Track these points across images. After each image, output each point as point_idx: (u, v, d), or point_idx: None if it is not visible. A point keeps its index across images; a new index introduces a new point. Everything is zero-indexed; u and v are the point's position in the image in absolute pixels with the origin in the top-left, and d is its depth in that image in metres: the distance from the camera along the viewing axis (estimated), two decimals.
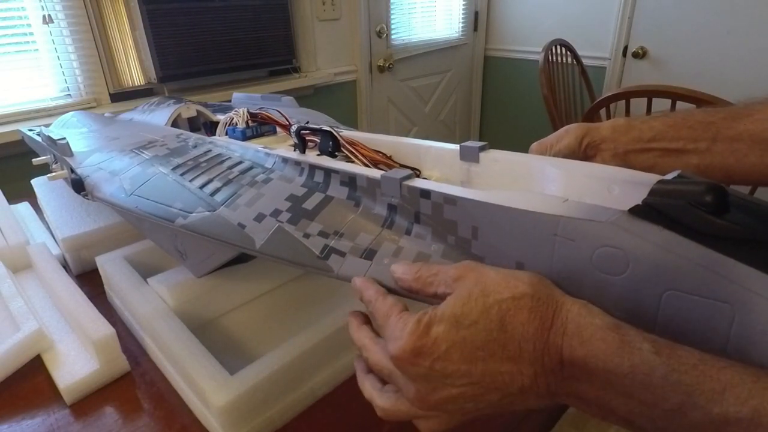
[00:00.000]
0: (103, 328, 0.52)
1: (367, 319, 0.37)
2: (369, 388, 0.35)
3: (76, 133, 0.77)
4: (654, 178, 0.32)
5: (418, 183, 0.37)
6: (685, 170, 0.30)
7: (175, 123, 0.75)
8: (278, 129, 0.67)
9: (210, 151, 0.57)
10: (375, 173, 0.40)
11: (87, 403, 0.51)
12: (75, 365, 0.53)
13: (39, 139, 0.81)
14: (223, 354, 0.49)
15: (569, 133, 0.49)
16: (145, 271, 0.62)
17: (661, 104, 1.38)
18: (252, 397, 0.45)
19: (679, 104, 1.35)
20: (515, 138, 2.87)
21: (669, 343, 0.24)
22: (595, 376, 0.25)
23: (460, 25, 2.69)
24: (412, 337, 0.29)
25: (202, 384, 0.44)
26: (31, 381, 0.54)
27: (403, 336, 0.30)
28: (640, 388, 0.24)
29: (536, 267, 0.31)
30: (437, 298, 0.31)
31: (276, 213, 0.42)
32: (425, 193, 0.36)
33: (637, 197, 0.27)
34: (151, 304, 0.55)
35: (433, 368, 0.29)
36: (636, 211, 0.27)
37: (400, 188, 0.37)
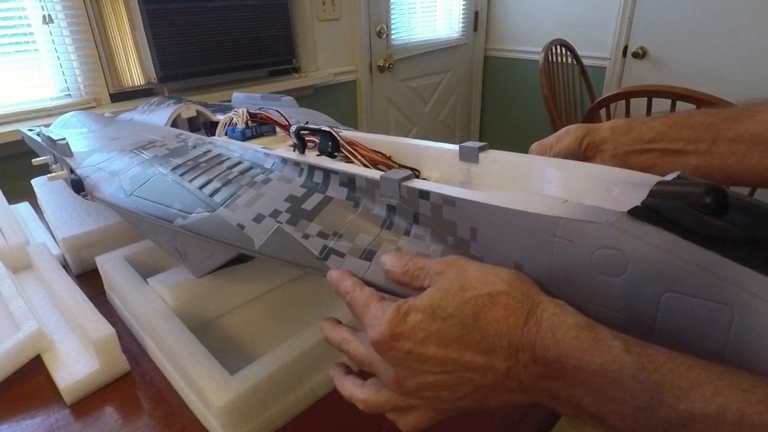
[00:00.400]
0: (103, 328, 0.52)
1: (339, 322, 0.38)
2: (349, 386, 0.36)
3: (76, 133, 0.77)
4: (653, 179, 0.32)
5: (417, 184, 0.37)
6: (684, 171, 0.30)
7: (174, 123, 0.75)
8: (278, 129, 0.67)
9: (209, 151, 0.57)
10: (374, 174, 0.40)
11: (87, 403, 0.51)
12: (75, 365, 0.53)
13: (39, 139, 0.81)
14: (223, 354, 0.49)
15: (569, 133, 0.50)
16: (145, 271, 0.62)
17: (661, 104, 1.38)
18: (252, 397, 0.45)
19: (679, 104, 1.35)
20: (515, 138, 2.87)
21: (639, 342, 0.25)
22: (567, 374, 0.26)
23: (460, 25, 2.69)
24: (391, 324, 0.30)
25: (202, 384, 0.44)
26: (31, 381, 0.54)
27: (382, 322, 0.31)
28: (610, 385, 0.24)
29: (535, 268, 0.31)
30: (423, 291, 0.32)
31: (275, 213, 0.42)
32: (424, 194, 0.36)
33: (637, 198, 0.27)
34: (151, 304, 0.55)
35: (411, 353, 0.30)
36: (635, 213, 0.27)
37: (399, 189, 0.37)
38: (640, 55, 2.26)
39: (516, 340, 0.27)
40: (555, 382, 0.27)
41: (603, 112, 1.56)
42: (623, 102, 1.48)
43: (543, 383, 0.27)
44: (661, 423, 0.23)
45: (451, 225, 0.35)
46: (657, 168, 0.47)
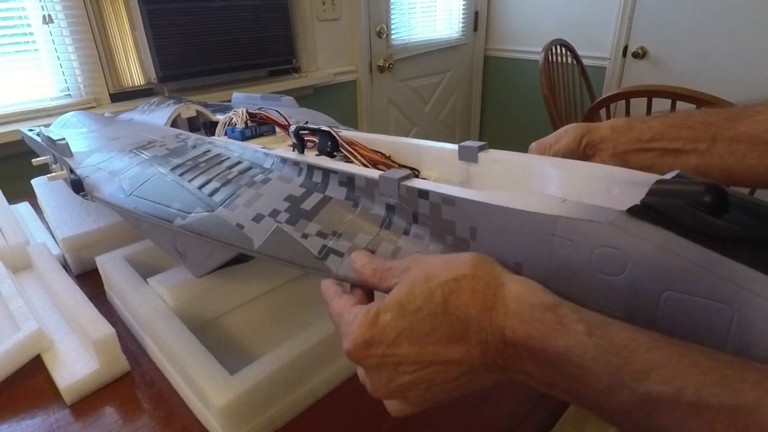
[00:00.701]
0: (103, 328, 0.52)
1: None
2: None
3: (75, 133, 0.77)
4: (654, 178, 0.32)
5: (416, 183, 0.37)
6: (684, 170, 0.30)
7: (174, 123, 0.75)
8: (277, 129, 0.67)
9: (209, 151, 0.57)
10: (373, 173, 0.40)
11: (87, 403, 0.51)
12: (75, 365, 0.53)
13: (39, 139, 0.81)
14: (223, 354, 0.49)
15: (568, 132, 0.50)
16: (145, 271, 0.62)
17: (661, 104, 1.38)
18: (252, 397, 0.45)
19: (679, 104, 1.35)
20: (515, 138, 2.87)
21: (602, 323, 0.25)
22: (535, 356, 0.26)
23: (460, 25, 2.69)
24: (361, 329, 0.30)
25: (202, 384, 0.44)
26: (31, 381, 0.54)
27: (353, 330, 0.31)
28: (574, 368, 0.25)
29: (535, 267, 0.31)
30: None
31: (274, 213, 0.42)
32: (423, 194, 0.36)
33: (637, 198, 0.27)
34: (151, 304, 0.55)
35: (385, 356, 0.30)
36: (634, 211, 0.27)
37: (399, 188, 0.37)
38: (640, 55, 2.26)
39: (486, 324, 0.28)
40: (526, 363, 0.27)
41: (603, 112, 1.56)
42: (623, 102, 1.48)
43: (516, 363, 0.28)
44: (622, 404, 0.24)
45: (450, 224, 0.35)
46: (656, 167, 0.47)
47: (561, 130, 0.50)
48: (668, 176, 0.29)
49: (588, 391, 0.25)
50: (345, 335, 0.32)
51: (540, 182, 0.40)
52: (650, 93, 1.42)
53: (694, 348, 0.23)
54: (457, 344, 0.29)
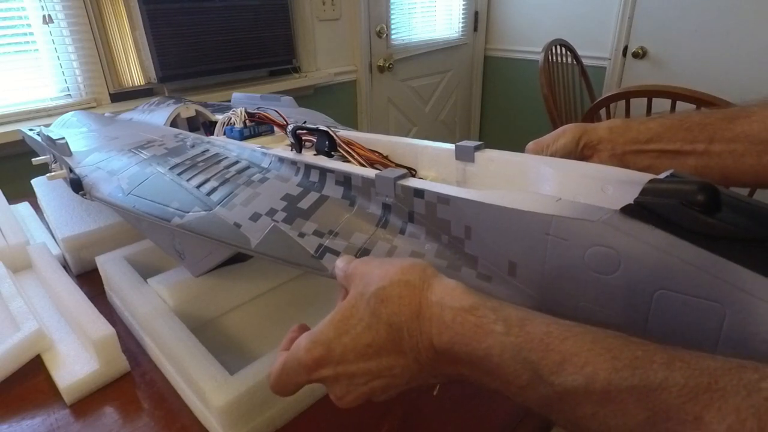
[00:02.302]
0: (103, 328, 0.53)
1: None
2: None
3: (75, 133, 0.77)
4: (647, 177, 0.32)
5: (412, 182, 0.37)
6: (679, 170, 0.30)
7: (174, 123, 0.75)
8: (276, 129, 0.67)
9: (207, 150, 0.57)
10: (370, 173, 0.40)
11: (87, 403, 0.51)
12: (75, 365, 0.53)
13: (39, 138, 0.81)
14: (223, 354, 0.49)
15: (566, 133, 0.50)
16: (145, 271, 0.62)
17: (661, 104, 1.38)
18: (252, 397, 0.45)
19: (679, 104, 1.35)
20: (515, 138, 2.87)
21: (521, 321, 0.26)
22: (461, 359, 0.27)
23: (460, 25, 2.69)
24: (307, 353, 0.31)
25: (202, 384, 0.45)
26: (31, 381, 0.54)
27: (300, 355, 0.31)
28: (495, 368, 0.25)
29: (529, 266, 0.31)
30: None
31: (271, 212, 0.42)
32: (419, 193, 0.36)
33: (632, 197, 0.27)
34: (151, 304, 0.55)
35: (338, 373, 0.31)
36: (628, 211, 0.27)
37: (395, 188, 0.37)
38: (640, 55, 2.26)
39: (415, 331, 0.28)
40: (456, 366, 0.28)
41: (603, 112, 1.56)
42: (623, 102, 1.48)
43: (449, 368, 0.28)
44: (542, 398, 0.24)
45: (445, 223, 0.35)
46: (654, 168, 0.47)
47: (559, 130, 0.50)
48: (662, 176, 0.30)
49: (513, 389, 0.25)
50: (298, 364, 0.32)
51: (536, 182, 0.40)
52: (650, 93, 1.41)
53: (608, 334, 0.24)
54: (394, 354, 0.29)
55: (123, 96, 1.62)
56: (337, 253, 0.38)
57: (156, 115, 0.78)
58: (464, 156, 0.45)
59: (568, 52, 2.17)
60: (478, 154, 0.44)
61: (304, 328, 0.36)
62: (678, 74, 2.15)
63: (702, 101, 1.27)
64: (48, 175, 0.70)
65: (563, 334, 0.24)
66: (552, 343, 0.24)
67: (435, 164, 0.48)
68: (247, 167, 0.50)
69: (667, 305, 0.26)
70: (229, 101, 1.00)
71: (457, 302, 0.27)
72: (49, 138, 0.68)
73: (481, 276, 0.34)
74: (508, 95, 2.86)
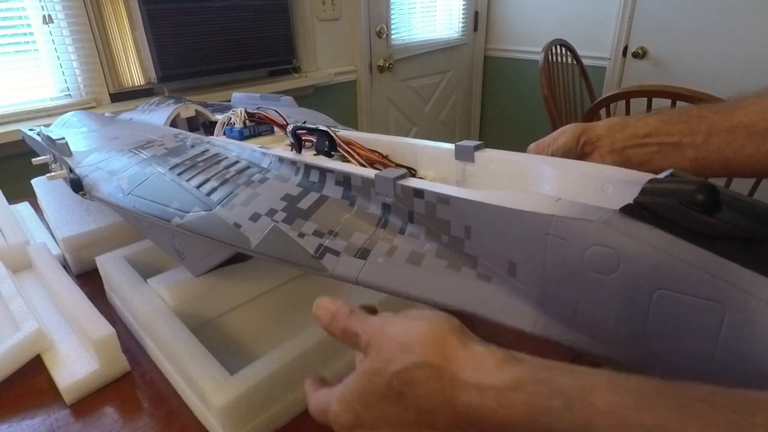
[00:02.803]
0: (103, 328, 0.53)
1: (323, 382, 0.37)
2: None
3: (75, 133, 0.77)
4: (647, 177, 0.32)
5: (412, 182, 0.37)
6: (682, 164, 0.30)
7: (174, 123, 0.75)
8: (276, 129, 0.67)
9: (207, 150, 0.57)
10: (369, 173, 0.40)
11: (87, 403, 0.51)
12: (75, 365, 0.53)
13: (39, 138, 0.81)
14: (223, 354, 0.49)
15: (566, 132, 0.50)
16: (145, 271, 0.62)
17: (661, 104, 1.38)
18: (252, 397, 0.45)
19: (679, 104, 1.35)
20: (515, 138, 2.87)
21: (581, 389, 0.23)
22: None
23: (460, 25, 2.69)
24: (341, 417, 0.30)
25: (202, 384, 0.45)
26: (31, 381, 0.54)
27: (337, 415, 0.30)
28: None
29: (528, 266, 0.31)
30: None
31: (271, 212, 0.42)
32: (419, 193, 0.36)
33: (631, 197, 0.27)
34: (151, 304, 0.55)
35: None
36: (627, 211, 0.27)
37: (394, 188, 0.37)
38: (640, 55, 2.26)
39: (451, 412, 0.26)
40: None
41: (603, 112, 1.56)
42: (623, 102, 1.48)
43: None
44: None
45: (445, 223, 0.35)
46: (654, 162, 0.48)
47: (558, 130, 0.51)
48: (662, 175, 0.30)
49: None
50: (332, 422, 0.31)
51: (536, 181, 0.40)
52: (650, 93, 1.42)
53: (688, 395, 0.21)
54: (428, 429, 0.27)
55: (123, 96, 1.62)
56: (337, 254, 0.38)
57: (156, 115, 0.78)
58: (464, 156, 0.45)
59: (568, 52, 2.17)
60: (477, 154, 0.44)
61: (320, 382, 0.34)
62: (678, 74, 2.15)
63: (702, 101, 1.27)
64: (48, 175, 0.71)
65: (636, 402, 0.21)
66: (628, 417, 0.21)
67: (435, 164, 0.48)
68: (247, 167, 0.50)
69: (666, 305, 0.26)
70: (229, 101, 1.00)
71: (497, 379, 0.25)
72: (49, 138, 0.68)
73: (481, 276, 0.34)
74: (508, 95, 2.86)
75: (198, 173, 0.51)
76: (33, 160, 0.79)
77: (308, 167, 0.45)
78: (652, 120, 0.48)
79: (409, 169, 0.49)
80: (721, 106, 0.46)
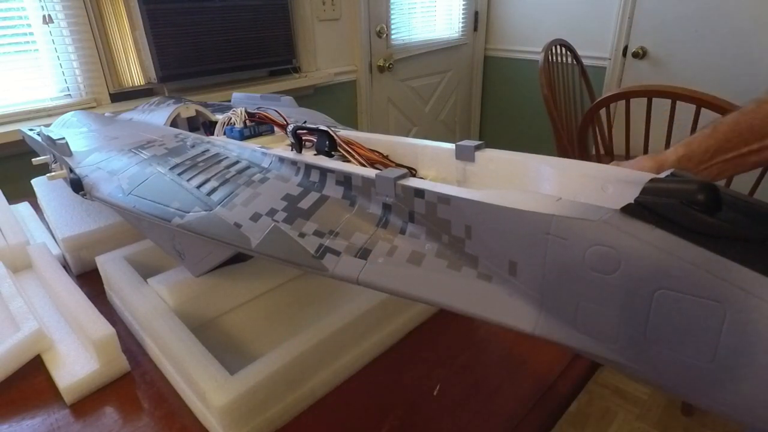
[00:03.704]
0: (103, 328, 0.53)
1: None
2: None
3: (75, 133, 0.77)
4: (648, 176, 0.32)
5: (412, 182, 0.37)
6: (680, 169, 0.30)
7: (174, 123, 0.75)
8: (276, 129, 0.67)
9: (207, 150, 0.57)
10: (370, 172, 0.40)
11: (87, 403, 0.51)
12: (75, 365, 0.53)
13: (39, 138, 0.81)
14: (223, 354, 0.49)
15: (644, 168, 0.55)
16: (145, 271, 0.62)
17: (661, 104, 1.38)
18: (252, 397, 0.45)
19: (679, 104, 1.35)
20: (515, 138, 2.87)
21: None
22: None
23: (460, 25, 2.69)
24: None
25: (202, 384, 0.45)
26: (31, 381, 0.54)
27: None
28: None
29: (529, 266, 0.31)
30: None
31: (272, 212, 0.42)
32: (419, 193, 0.36)
33: (632, 196, 0.27)
34: (151, 304, 0.55)
35: None
36: (628, 210, 0.27)
37: (395, 187, 0.37)
38: (640, 55, 2.26)
39: None
40: None
41: (603, 112, 1.57)
42: (623, 102, 1.48)
43: None
44: None
45: (445, 223, 0.35)
46: (722, 176, 0.55)
47: (635, 162, 0.56)
48: (662, 175, 0.30)
49: None
50: None
51: (536, 181, 0.40)
52: (650, 93, 1.42)
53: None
54: None
55: (123, 96, 1.62)
56: (337, 253, 0.38)
57: (156, 115, 0.78)
58: (464, 155, 0.45)
59: (568, 52, 2.18)
60: (478, 154, 0.44)
61: None
62: (678, 74, 2.15)
63: (702, 101, 1.27)
64: (48, 175, 0.71)
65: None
66: None
67: (435, 164, 0.48)
68: (248, 167, 0.50)
69: (667, 304, 0.26)
70: (229, 101, 1.00)
71: None
72: (49, 138, 0.68)
73: (482, 275, 0.34)
74: (508, 95, 2.86)
75: (198, 173, 0.51)
76: (33, 160, 0.79)
77: (309, 167, 0.45)
78: (712, 141, 0.54)
79: (409, 169, 0.49)
80: (758, 112, 0.53)
